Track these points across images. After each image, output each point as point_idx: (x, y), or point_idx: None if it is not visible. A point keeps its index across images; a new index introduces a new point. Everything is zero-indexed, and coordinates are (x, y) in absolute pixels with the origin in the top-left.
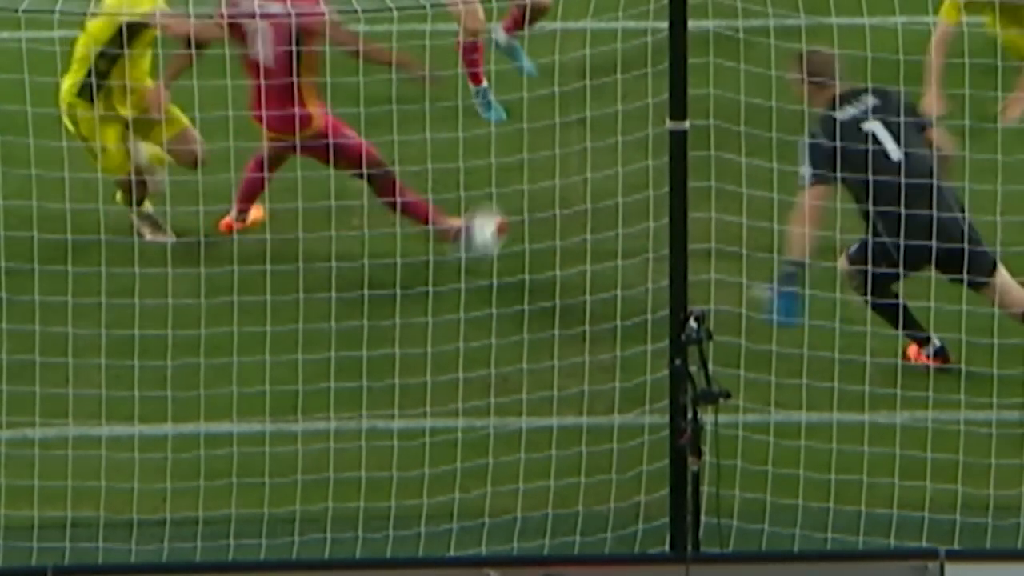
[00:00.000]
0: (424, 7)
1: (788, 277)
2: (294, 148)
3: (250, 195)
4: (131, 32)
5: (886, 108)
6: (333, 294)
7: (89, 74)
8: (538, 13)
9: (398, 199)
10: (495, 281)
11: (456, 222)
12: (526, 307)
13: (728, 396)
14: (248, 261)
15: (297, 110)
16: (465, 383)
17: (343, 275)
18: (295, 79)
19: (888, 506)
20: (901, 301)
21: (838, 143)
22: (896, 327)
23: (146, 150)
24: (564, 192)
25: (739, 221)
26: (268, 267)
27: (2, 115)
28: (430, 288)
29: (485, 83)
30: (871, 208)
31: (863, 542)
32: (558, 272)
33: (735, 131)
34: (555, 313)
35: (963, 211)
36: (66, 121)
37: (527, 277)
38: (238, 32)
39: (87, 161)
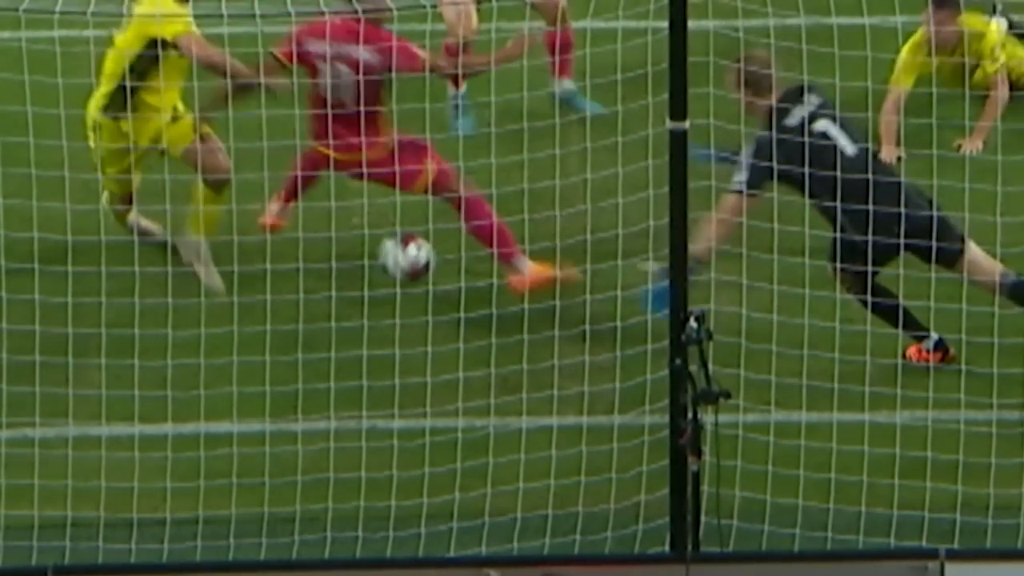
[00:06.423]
0: (424, 7)
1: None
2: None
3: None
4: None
5: (827, 103)
6: (333, 294)
7: (116, 92)
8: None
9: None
10: (495, 281)
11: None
12: (526, 307)
13: (728, 396)
14: (248, 261)
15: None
16: (465, 383)
17: (343, 275)
18: (375, 111)
19: (888, 506)
20: (901, 301)
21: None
22: (894, 325)
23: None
24: (564, 192)
25: (739, 221)
26: (268, 267)
27: (2, 115)
28: (430, 288)
29: (464, 88)
30: (838, 206)
31: (863, 542)
32: (558, 272)
33: (735, 131)
34: (555, 313)
35: (920, 192)
36: (89, 137)
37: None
38: (308, 69)
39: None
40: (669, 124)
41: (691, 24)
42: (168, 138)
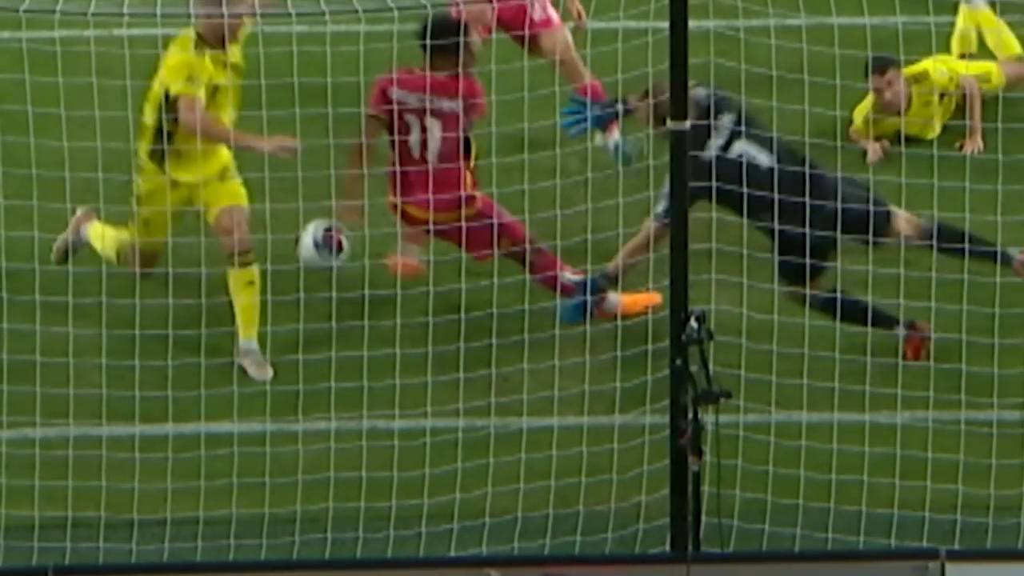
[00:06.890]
0: (424, 7)
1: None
2: (449, 231)
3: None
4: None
5: (740, 118)
6: (333, 294)
7: (157, 135)
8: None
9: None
10: (496, 281)
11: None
12: (527, 307)
13: (729, 396)
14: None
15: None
16: (465, 383)
17: (343, 275)
18: (461, 165)
19: (889, 506)
20: (838, 295)
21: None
22: (837, 320)
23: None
24: (564, 192)
25: (739, 221)
26: (269, 267)
27: (2, 115)
28: (430, 288)
29: None
30: (776, 223)
31: (864, 542)
32: (559, 272)
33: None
34: (555, 313)
35: (847, 180)
36: (136, 181)
37: (528, 277)
38: (392, 123)
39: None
40: (669, 124)
41: (691, 24)
42: (209, 194)
